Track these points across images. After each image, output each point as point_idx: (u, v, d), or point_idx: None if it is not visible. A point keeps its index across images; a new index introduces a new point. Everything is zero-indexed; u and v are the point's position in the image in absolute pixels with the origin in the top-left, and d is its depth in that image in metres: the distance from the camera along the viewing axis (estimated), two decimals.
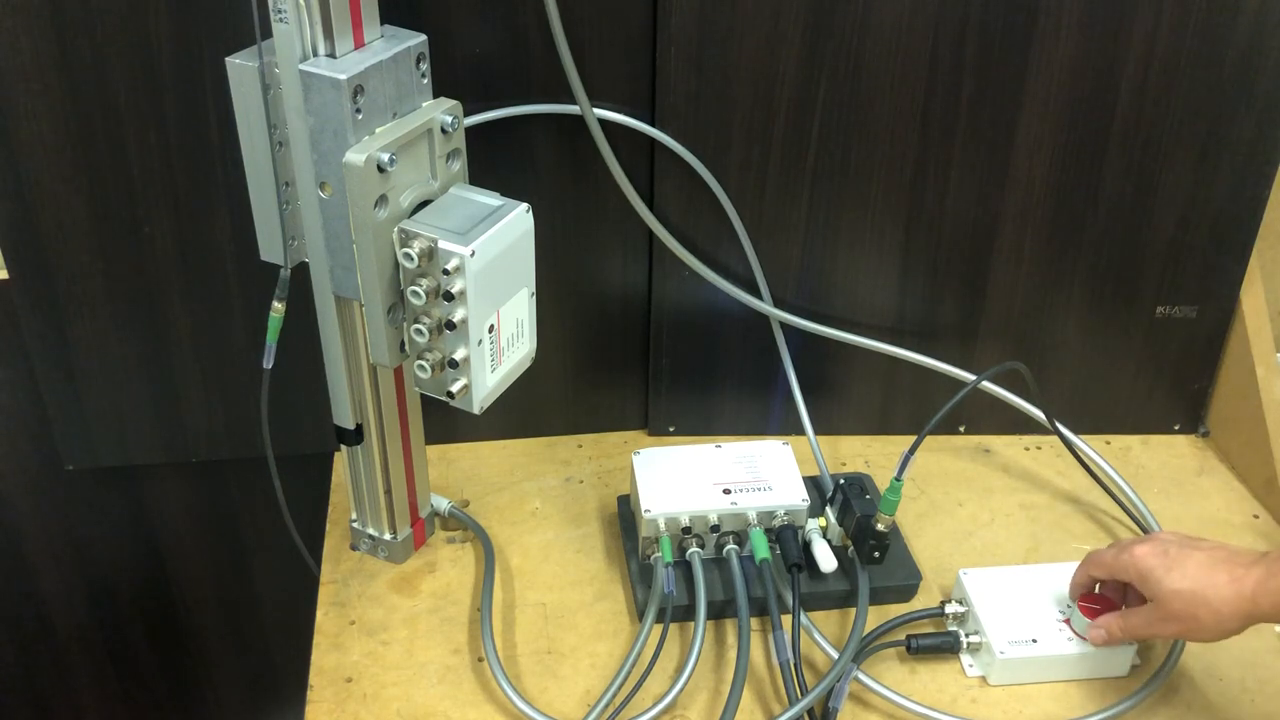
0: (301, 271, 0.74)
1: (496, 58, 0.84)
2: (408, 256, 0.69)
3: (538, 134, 0.89)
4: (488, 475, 1.00)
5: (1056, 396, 1.03)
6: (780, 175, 0.91)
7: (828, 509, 0.88)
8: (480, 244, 0.68)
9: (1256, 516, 0.99)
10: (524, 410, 1.03)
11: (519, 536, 0.94)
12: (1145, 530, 0.95)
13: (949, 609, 0.84)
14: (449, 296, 0.69)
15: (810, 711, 0.76)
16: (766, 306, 0.95)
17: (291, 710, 1.34)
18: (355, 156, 0.66)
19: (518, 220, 0.72)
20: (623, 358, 1.02)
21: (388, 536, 0.89)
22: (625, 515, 0.93)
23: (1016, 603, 0.83)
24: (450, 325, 0.70)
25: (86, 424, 0.98)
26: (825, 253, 0.95)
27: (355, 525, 0.90)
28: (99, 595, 1.19)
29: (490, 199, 0.73)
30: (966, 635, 0.82)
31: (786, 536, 0.85)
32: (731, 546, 0.86)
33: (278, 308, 0.75)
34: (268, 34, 0.66)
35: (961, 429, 1.06)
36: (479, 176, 0.76)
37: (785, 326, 0.97)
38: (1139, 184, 0.94)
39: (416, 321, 0.72)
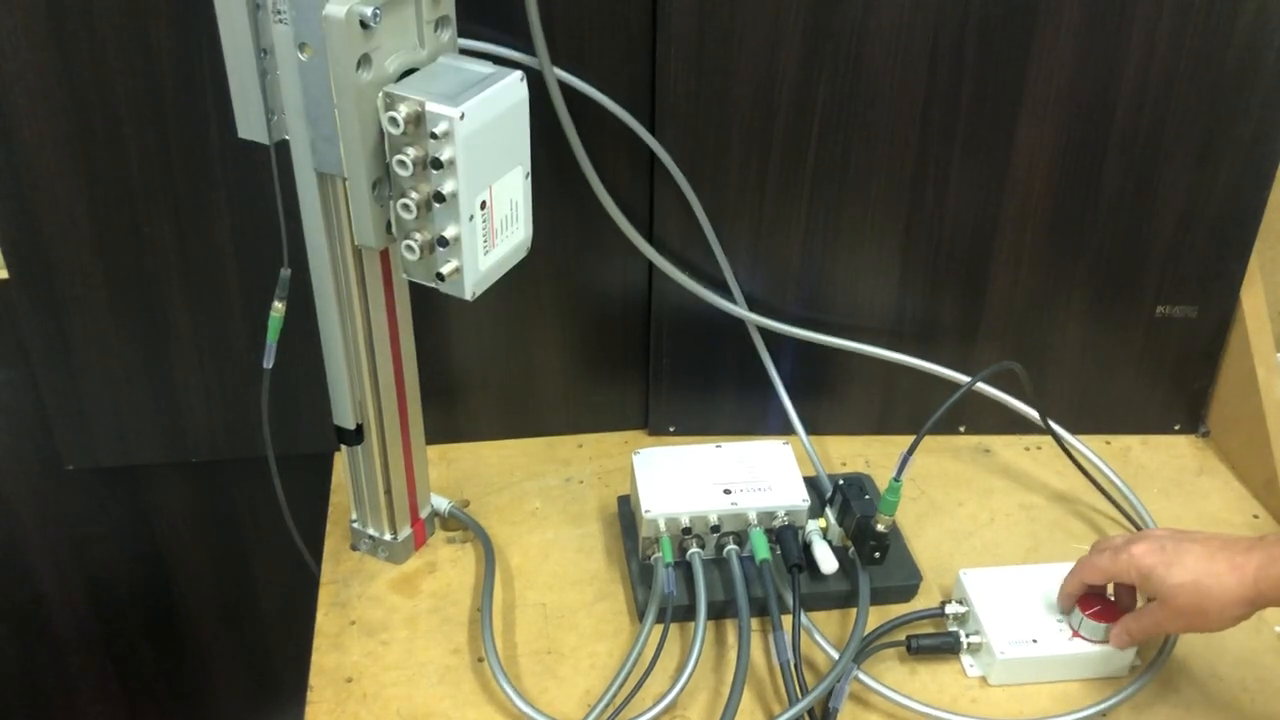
0: (302, 272, 0.74)
1: None
2: (393, 121, 0.65)
3: (537, 134, 0.88)
4: (488, 475, 1.00)
5: (1057, 397, 1.03)
6: (780, 175, 0.91)
7: (827, 509, 0.88)
8: (471, 106, 0.64)
9: (1256, 516, 0.99)
10: (524, 410, 1.03)
11: (519, 536, 0.94)
12: (1139, 529, 0.95)
13: (949, 609, 0.84)
14: (437, 165, 0.65)
15: (810, 712, 0.76)
16: (742, 311, 0.95)
17: (291, 710, 1.34)
18: (335, 9, 0.62)
19: (511, 87, 0.68)
20: (623, 358, 1.02)
21: (388, 536, 0.89)
22: (625, 515, 0.93)
23: (1017, 603, 0.83)
24: (439, 198, 0.66)
25: (86, 424, 0.98)
26: (825, 253, 0.95)
27: (355, 525, 0.90)
28: (99, 595, 1.19)
29: (482, 67, 0.68)
30: (967, 635, 0.82)
31: (787, 537, 0.85)
32: (732, 547, 0.86)
33: (278, 308, 0.75)
34: None
35: (961, 429, 1.06)
36: None
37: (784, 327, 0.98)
38: (1139, 184, 0.94)
39: (404, 196, 0.67)
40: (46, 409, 0.98)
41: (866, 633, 0.83)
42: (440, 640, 0.84)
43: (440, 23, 0.70)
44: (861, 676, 0.79)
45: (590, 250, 0.95)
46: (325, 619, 0.85)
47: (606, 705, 0.77)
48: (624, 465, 1.00)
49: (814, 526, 0.87)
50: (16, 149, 0.84)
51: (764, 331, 0.98)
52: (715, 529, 0.85)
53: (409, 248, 0.69)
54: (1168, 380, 1.05)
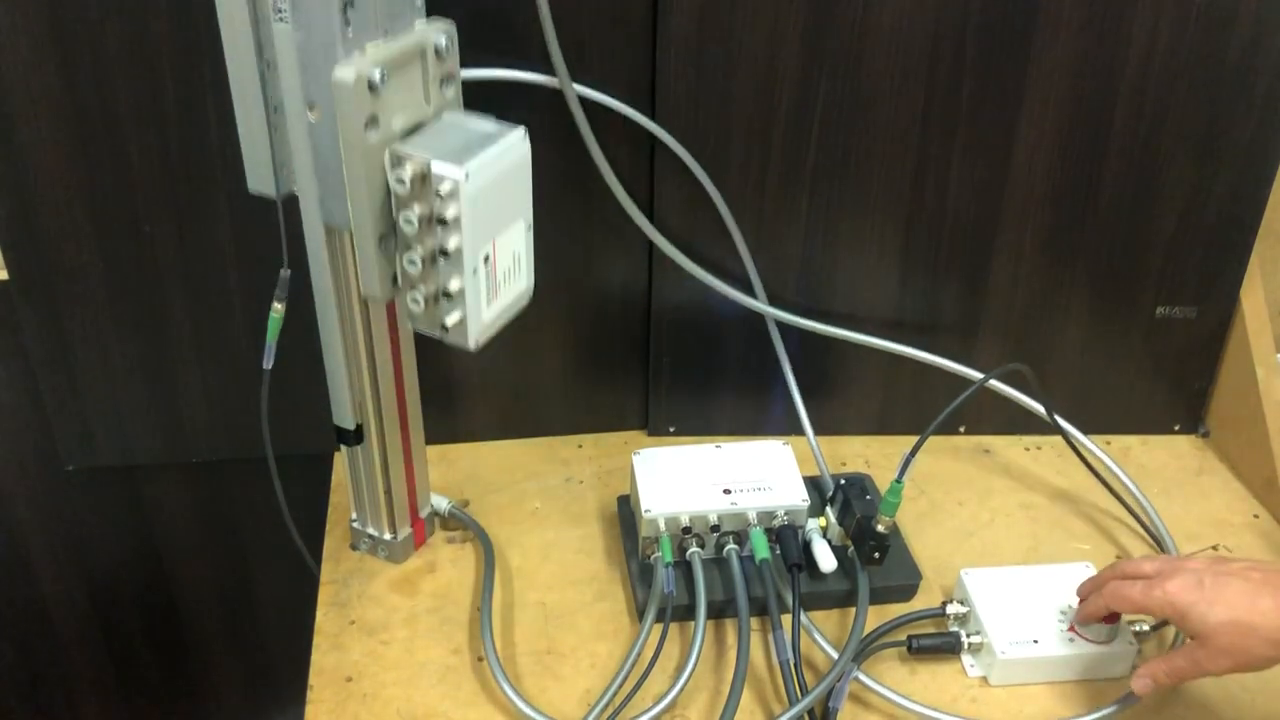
0: (301, 272, 0.74)
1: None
2: (399, 180, 0.66)
3: (538, 134, 0.88)
4: (488, 475, 1.00)
5: (1057, 397, 1.03)
6: (780, 175, 0.91)
7: (828, 509, 0.88)
8: (475, 165, 0.65)
9: (1256, 516, 0.99)
10: (524, 410, 1.03)
11: (519, 536, 0.94)
12: (1149, 530, 0.95)
13: (950, 609, 0.84)
14: (442, 222, 0.66)
15: (810, 712, 0.76)
16: (762, 305, 0.95)
17: (291, 710, 1.34)
18: (345, 72, 0.63)
19: (515, 144, 0.69)
20: (623, 358, 1.02)
21: (388, 536, 0.89)
22: (625, 515, 0.93)
23: (1018, 603, 0.83)
24: (444, 254, 0.67)
25: (86, 424, 0.98)
26: (825, 253, 0.95)
27: (355, 525, 0.90)
28: (99, 595, 1.19)
29: (486, 124, 0.70)
30: (968, 635, 0.82)
31: (786, 536, 0.85)
32: (731, 546, 0.86)
33: (278, 308, 0.75)
34: None
35: (961, 429, 1.06)
36: None
37: (784, 326, 0.97)
38: (1139, 184, 0.94)
39: (409, 250, 0.68)
40: (46, 409, 0.98)
41: (867, 633, 0.83)
42: (440, 640, 0.84)
43: (445, 79, 0.71)
44: (861, 677, 0.79)
45: (590, 250, 0.95)
46: (325, 619, 0.85)
47: (606, 705, 0.77)
48: (624, 465, 1.00)
49: (814, 525, 0.87)
50: (16, 149, 0.84)
51: (762, 333, 0.98)
52: (715, 529, 0.85)
53: (414, 300, 0.70)
54: (1167, 380, 1.05)
